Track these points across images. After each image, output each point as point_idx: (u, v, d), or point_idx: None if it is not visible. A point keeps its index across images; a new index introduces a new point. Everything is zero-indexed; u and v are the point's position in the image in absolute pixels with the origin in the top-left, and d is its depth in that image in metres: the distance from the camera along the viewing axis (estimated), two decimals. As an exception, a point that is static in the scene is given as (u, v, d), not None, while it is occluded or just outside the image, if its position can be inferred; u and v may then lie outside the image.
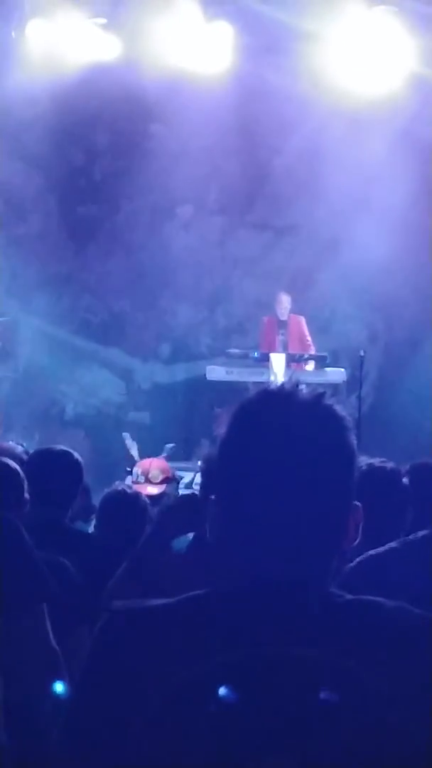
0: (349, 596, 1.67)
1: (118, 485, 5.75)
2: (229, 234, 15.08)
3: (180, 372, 14.78)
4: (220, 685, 1.53)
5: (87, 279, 15.09)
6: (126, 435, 11.00)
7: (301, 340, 12.94)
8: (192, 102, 13.61)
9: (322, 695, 1.53)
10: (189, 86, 13.47)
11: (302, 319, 13.07)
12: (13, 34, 13.58)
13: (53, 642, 3.16)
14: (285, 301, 13.05)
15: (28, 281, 14.56)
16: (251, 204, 15.05)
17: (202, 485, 4.41)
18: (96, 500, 5.65)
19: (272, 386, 1.71)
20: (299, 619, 1.62)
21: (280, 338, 12.89)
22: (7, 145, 14.03)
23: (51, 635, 3.16)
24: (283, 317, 13.02)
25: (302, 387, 1.69)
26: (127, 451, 9.24)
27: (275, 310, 13.07)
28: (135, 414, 14.68)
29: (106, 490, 5.35)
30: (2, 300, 14.14)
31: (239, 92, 13.60)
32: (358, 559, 3.38)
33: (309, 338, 13.00)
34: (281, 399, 1.69)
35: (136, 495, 5.27)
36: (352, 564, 3.32)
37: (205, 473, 3.91)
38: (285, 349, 12.66)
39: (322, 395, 1.70)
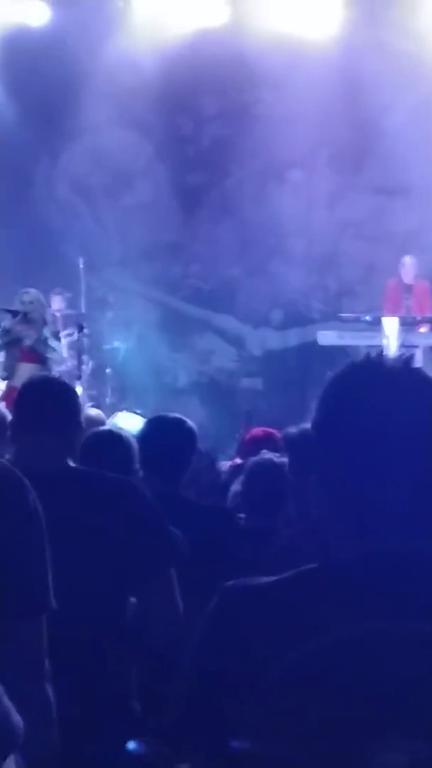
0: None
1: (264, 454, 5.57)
2: (339, 197, 14.93)
3: (292, 337, 14.73)
4: (337, 660, 1.53)
5: (197, 247, 15.11)
6: None
7: (423, 304, 12.67)
8: (300, 65, 13.49)
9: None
10: (296, 49, 13.34)
11: (428, 284, 12.78)
12: (120, 3, 13.63)
13: (180, 607, 3.17)
14: (410, 265, 12.77)
15: (138, 250, 14.65)
16: (361, 166, 14.87)
17: (290, 463, 4.38)
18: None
19: (359, 358, 1.70)
20: (414, 591, 1.59)
21: (405, 302, 12.64)
22: (115, 115, 14.11)
23: (179, 600, 3.17)
24: (409, 281, 12.76)
25: (415, 349, 1.67)
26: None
27: (399, 274, 12.81)
28: (248, 380, 14.69)
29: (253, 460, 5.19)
30: (114, 269, 14.26)
31: (347, 53, 13.43)
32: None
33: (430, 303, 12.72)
34: (369, 369, 1.67)
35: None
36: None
37: (292, 451, 3.87)
38: (409, 313, 12.42)
39: (409, 359, 1.68)
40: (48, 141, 14.77)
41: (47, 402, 3.39)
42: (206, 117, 15.12)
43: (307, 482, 3.03)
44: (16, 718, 1.41)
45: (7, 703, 1.41)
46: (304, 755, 1.50)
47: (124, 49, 13.55)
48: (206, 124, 15.19)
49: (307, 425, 3.85)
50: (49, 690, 2.37)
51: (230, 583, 1.69)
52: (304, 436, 3.82)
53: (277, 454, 4.81)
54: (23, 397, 3.43)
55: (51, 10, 13.79)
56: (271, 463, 4.85)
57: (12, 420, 3.37)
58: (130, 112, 14.30)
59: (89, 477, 3.31)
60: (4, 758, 1.41)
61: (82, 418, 3.50)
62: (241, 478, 5.09)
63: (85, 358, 12.25)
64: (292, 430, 4.31)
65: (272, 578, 1.66)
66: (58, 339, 10.81)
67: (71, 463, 3.33)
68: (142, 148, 15.00)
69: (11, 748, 1.41)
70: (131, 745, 2.33)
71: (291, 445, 3.96)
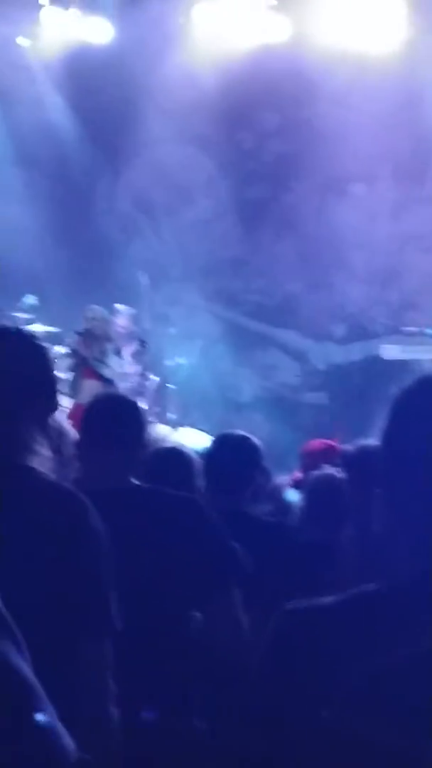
0: None
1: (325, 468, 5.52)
2: (402, 210, 14.85)
3: (355, 351, 14.66)
4: (399, 680, 1.50)
5: (259, 261, 15.11)
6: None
7: None
8: (361, 78, 13.46)
9: None
10: (357, 62, 13.32)
11: None
12: (181, 19, 13.70)
13: (244, 623, 3.16)
14: None
15: (200, 266, 14.68)
16: (424, 178, 14.78)
17: (349, 478, 4.33)
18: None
19: (428, 374, 1.66)
20: None
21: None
22: (176, 131, 14.17)
23: (242, 615, 3.16)
24: None
25: None
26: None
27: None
28: (312, 395, 14.64)
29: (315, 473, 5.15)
30: (177, 285, 14.30)
31: (409, 66, 13.37)
32: None
33: None
34: None
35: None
36: None
37: (350, 468, 3.82)
38: None
39: None
40: (109, 158, 14.88)
41: (111, 420, 3.40)
42: (267, 132, 15.12)
43: (366, 499, 3.01)
44: (68, 741, 1.42)
45: (59, 726, 1.41)
46: None
47: (185, 65, 13.62)
48: (267, 139, 15.19)
49: (366, 442, 3.83)
50: (114, 711, 2.37)
51: (290, 604, 1.67)
52: (362, 453, 3.77)
53: (338, 469, 4.76)
54: (87, 415, 3.44)
55: (113, 27, 13.91)
56: (332, 479, 4.81)
57: (77, 438, 3.37)
58: (190, 127, 14.36)
59: (152, 495, 3.31)
60: None
61: (147, 436, 3.50)
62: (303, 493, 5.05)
63: (148, 374, 12.29)
64: (350, 447, 4.25)
65: (332, 599, 1.64)
66: (120, 355, 10.85)
67: (134, 481, 3.33)
68: (203, 163, 15.04)
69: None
70: None
71: (349, 462, 3.90)
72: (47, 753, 1.38)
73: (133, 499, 3.09)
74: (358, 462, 3.81)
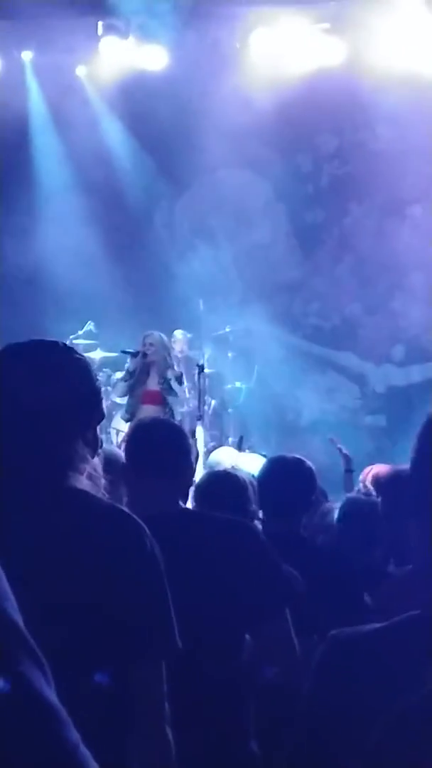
0: None
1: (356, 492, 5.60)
2: (461, 231, 14.75)
3: (415, 374, 14.56)
4: None
5: (317, 284, 15.08)
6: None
7: None
8: (417, 100, 13.42)
9: None
10: (414, 84, 13.29)
11: None
12: (237, 45, 13.78)
13: (296, 644, 3.15)
14: None
15: (258, 289, 14.70)
16: None
17: (383, 505, 4.29)
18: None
19: None
20: None
21: None
22: (233, 155, 14.23)
23: (294, 639, 3.15)
24: None
25: None
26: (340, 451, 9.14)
27: None
28: (371, 418, 14.56)
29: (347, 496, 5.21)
30: (235, 309, 14.33)
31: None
32: None
33: None
34: None
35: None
36: None
37: (384, 492, 3.79)
38: None
39: None
40: (167, 183, 14.98)
41: (156, 444, 3.40)
42: (324, 155, 15.13)
43: (401, 524, 2.99)
44: (94, 766, 1.42)
45: (84, 751, 1.42)
46: None
47: (242, 90, 13.70)
48: (325, 162, 15.21)
49: (401, 466, 3.80)
50: (169, 732, 2.37)
51: (336, 631, 1.66)
52: (395, 477, 3.74)
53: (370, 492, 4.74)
54: (133, 440, 3.45)
55: (169, 54, 14.03)
56: (363, 502, 4.79)
57: (124, 463, 3.38)
58: (247, 152, 14.41)
59: (201, 519, 3.31)
60: None
61: (193, 459, 3.51)
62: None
63: (206, 398, 12.30)
64: (383, 471, 4.23)
65: (377, 625, 1.62)
66: (181, 382, 10.87)
67: (183, 505, 3.33)
68: (261, 187, 15.08)
69: None
70: None
71: (382, 486, 3.87)
72: None
73: (181, 523, 3.09)
74: (390, 487, 3.77)
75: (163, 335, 10.92)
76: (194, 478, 3.54)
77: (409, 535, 1.63)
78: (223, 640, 3.07)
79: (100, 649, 2.26)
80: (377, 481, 3.82)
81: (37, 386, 2.42)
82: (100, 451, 2.56)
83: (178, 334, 13.49)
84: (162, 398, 10.41)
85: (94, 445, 2.51)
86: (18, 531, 2.28)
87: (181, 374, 11.16)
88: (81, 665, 2.23)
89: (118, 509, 2.39)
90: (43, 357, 2.50)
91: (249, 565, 3.15)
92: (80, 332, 13.13)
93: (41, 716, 1.37)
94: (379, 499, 3.99)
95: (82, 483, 2.39)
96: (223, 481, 4.01)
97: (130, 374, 10.60)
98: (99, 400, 2.55)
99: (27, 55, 14.51)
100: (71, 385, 2.47)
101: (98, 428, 2.55)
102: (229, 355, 13.91)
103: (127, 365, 10.87)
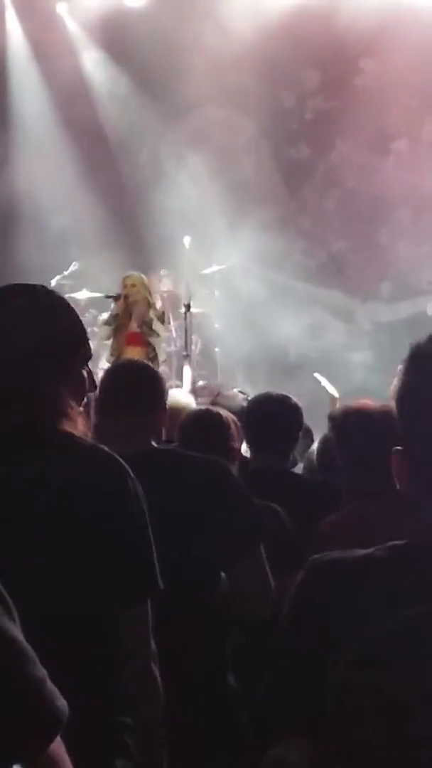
0: None
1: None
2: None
3: (402, 310, 14.54)
4: (424, 633, 1.50)
5: (303, 222, 15.01)
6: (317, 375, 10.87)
7: None
8: (401, 33, 13.27)
9: None
10: (397, 17, 13.14)
11: None
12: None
13: (271, 580, 3.17)
14: None
15: (245, 227, 14.61)
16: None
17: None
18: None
19: None
20: None
21: None
22: (216, 91, 14.09)
23: (269, 575, 3.17)
24: None
25: None
26: (325, 390, 9.14)
27: None
28: (358, 354, 14.56)
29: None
30: (220, 247, 14.25)
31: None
32: None
33: None
34: None
35: None
36: None
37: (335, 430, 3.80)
38: None
39: None
40: (149, 119, 14.83)
41: (129, 384, 3.42)
42: (308, 90, 14.99)
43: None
44: (62, 702, 1.43)
45: (51, 686, 1.42)
46: (385, 731, 1.47)
47: (222, 25, 13.53)
48: (309, 98, 15.07)
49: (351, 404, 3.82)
50: (157, 671, 2.39)
51: (317, 555, 1.67)
52: (345, 414, 3.75)
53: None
54: (106, 382, 3.46)
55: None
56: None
57: (95, 404, 3.39)
58: (229, 87, 14.27)
59: (173, 457, 3.32)
60: (51, 741, 1.40)
61: (167, 400, 3.53)
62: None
63: (193, 338, 12.27)
64: (335, 410, 4.23)
65: (360, 551, 1.63)
66: (164, 321, 10.83)
67: (155, 444, 3.35)
68: (244, 123, 14.96)
69: (56, 731, 1.41)
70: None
71: (334, 424, 3.87)
72: (39, 712, 1.38)
73: (153, 462, 3.10)
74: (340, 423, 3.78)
75: (143, 275, 10.86)
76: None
77: (397, 466, 1.63)
78: (198, 577, 3.09)
79: (84, 591, 2.27)
80: (330, 416, 3.83)
81: (17, 329, 2.41)
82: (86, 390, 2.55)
83: (164, 272, 13.42)
84: (145, 339, 10.40)
85: (81, 386, 2.50)
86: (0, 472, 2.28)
87: (163, 313, 11.11)
88: (65, 606, 2.24)
89: (102, 450, 2.38)
90: (24, 300, 2.48)
91: (221, 503, 3.17)
92: (65, 273, 13.06)
93: (4, 652, 1.38)
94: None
95: (66, 424, 2.38)
96: (204, 418, 4.01)
97: (113, 318, 10.58)
98: (80, 343, 2.54)
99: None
100: (52, 328, 2.45)
101: (85, 370, 2.53)
102: (216, 293, 13.85)
103: (111, 310, 10.83)
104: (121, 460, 2.38)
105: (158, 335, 10.51)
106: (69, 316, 2.54)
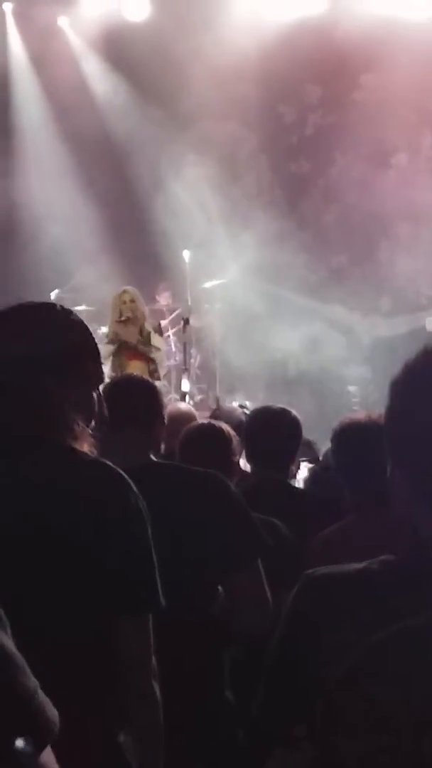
0: None
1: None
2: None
3: (401, 325, 14.54)
4: (417, 645, 1.49)
5: (303, 236, 15.02)
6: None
7: None
8: (400, 48, 13.32)
9: None
10: (396, 33, 13.19)
11: None
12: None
13: (268, 595, 3.16)
14: None
15: (244, 241, 14.63)
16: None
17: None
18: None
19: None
20: None
21: None
22: (217, 106, 14.12)
23: (267, 591, 3.16)
24: None
25: None
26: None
27: None
28: (357, 368, 14.56)
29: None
30: (220, 261, 14.26)
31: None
32: None
33: None
34: None
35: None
36: None
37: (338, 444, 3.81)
38: None
39: None
40: (150, 132, 14.85)
41: (128, 399, 3.43)
42: (308, 105, 15.03)
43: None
44: (53, 713, 1.41)
45: (43, 696, 1.41)
46: (377, 740, 1.46)
47: (223, 40, 13.57)
48: (309, 112, 15.10)
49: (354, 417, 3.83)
50: (156, 686, 2.38)
51: (311, 570, 1.68)
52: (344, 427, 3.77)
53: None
54: (104, 396, 3.47)
55: (150, 2, 13.99)
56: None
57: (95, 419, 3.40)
58: (230, 102, 14.30)
59: (172, 472, 3.32)
60: (41, 750, 1.38)
61: (165, 414, 3.54)
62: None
63: (192, 351, 12.28)
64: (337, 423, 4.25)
65: (353, 565, 1.63)
66: (161, 334, 10.85)
67: (154, 458, 3.36)
68: (244, 138, 14.98)
69: (47, 740, 1.39)
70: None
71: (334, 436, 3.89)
72: (29, 723, 1.37)
73: (152, 476, 3.10)
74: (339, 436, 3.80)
75: (136, 290, 10.88)
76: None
77: (391, 481, 1.63)
78: (196, 591, 3.08)
79: (85, 604, 2.26)
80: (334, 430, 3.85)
81: (25, 345, 2.41)
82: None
83: (163, 286, 13.43)
84: (145, 354, 10.42)
85: (89, 404, 2.50)
86: (1, 487, 2.27)
87: (159, 325, 11.13)
88: (67, 620, 2.23)
89: (105, 464, 2.38)
90: (35, 315, 2.49)
91: (220, 517, 3.16)
92: (65, 287, 13.08)
93: None
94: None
95: (72, 441, 2.38)
96: (206, 433, 4.01)
97: (114, 334, 10.58)
98: (89, 359, 2.54)
99: (7, 6, 14.47)
100: (61, 344, 2.45)
101: (94, 390, 2.53)
102: (216, 307, 13.86)
103: (104, 329, 10.83)
104: (124, 474, 2.37)
105: (158, 349, 10.52)
106: (80, 332, 2.54)
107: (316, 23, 13.55)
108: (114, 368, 10.42)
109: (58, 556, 2.24)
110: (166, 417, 3.56)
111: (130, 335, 10.43)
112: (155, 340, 10.50)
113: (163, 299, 13.41)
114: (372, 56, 13.76)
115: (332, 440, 3.87)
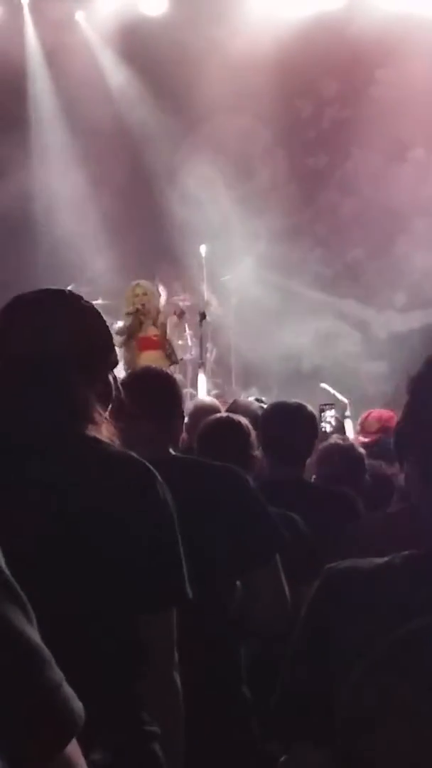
0: None
1: (333, 438, 5.67)
2: (463, 174, 14.65)
3: (416, 319, 14.52)
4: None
5: (319, 230, 15.00)
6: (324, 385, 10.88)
7: None
8: (416, 44, 13.30)
9: None
10: (413, 28, 13.17)
11: None
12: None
13: (287, 591, 3.16)
14: None
15: (259, 236, 14.62)
16: None
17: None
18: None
19: None
20: None
21: None
22: (233, 100, 14.11)
23: (285, 586, 3.16)
24: None
25: None
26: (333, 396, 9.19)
27: None
28: (372, 364, 14.54)
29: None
30: (236, 256, 14.25)
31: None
32: None
33: None
34: None
35: (350, 446, 5.22)
36: None
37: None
38: None
39: None
40: (166, 128, 14.83)
41: (147, 392, 3.41)
42: (325, 99, 15.00)
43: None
44: (78, 705, 1.41)
45: (68, 689, 1.41)
46: (396, 735, 1.47)
47: (240, 34, 13.56)
48: (326, 107, 15.07)
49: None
50: (178, 679, 2.38)
51: (333, 564, 1.68)
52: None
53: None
54: (124, 388, 3.47)
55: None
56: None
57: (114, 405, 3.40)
58: (246, 96, 14.28)
59: (191, 466, 3.31)
60: (68, 742, 1.39)
61: (184, 407, 3.53)
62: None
63: (208, 346, 12.28)
64: (378, 416, 4.28)
65: (376, 560, 1.64)
66: (178, 328, 10.87)
67: (173, 452, 3.35)
68: (260, 132, 14.96)
69: (72, 733, 1.40)
70: None
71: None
72: (54, 716, 1.37)
73: (171, 470, 3.10)
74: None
75: (149, 283, 10.90)
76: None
77: (409, 476, 1.64)
78: (214, 586, 3.07)
79: (110, 596, 2.26)
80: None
81: (48, 334, 2.40)
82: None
83: (180, 281, 13.42)
84: (159, 343, 10.44)
85: (108, 392, 2.49)
86: (29, 479, 2.26)
87: (182, 312, 11.15)
88: (93, 612, 2.23)
89: (130, 455, 2.37)
90: (55, 305, 2.48)
91: (237, 512, 3.16)
92: (82, 280, 13.06)
93: (21, 655, 1.37)
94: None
95: (93, 430, 2.37)
96: (224, 426, 4.02)
97: (126, 328, 10.59)
98: (109, 349, 2.53)
99: (24, 0, 14.48)
100: (83, 334, 2.44)
101: (111, 376, 2.53)
102: (232, 301, 13.85)
103: (123, 322, 10.83)
104: (149, 465, 2.36)
105: (175, 342, 10.55)
106: (98, 322, 2.53)
107: (333, 18, 13.54)
108: (127, 361, 10.43)
109: (87, 548, 2.22)
110: (184, 410, 3.55)
111: (143, 328, 10.46)
112: (171, 333, 10.53)
113: (179, 294, 13.39)
114: (388, 51, 13.72)
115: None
